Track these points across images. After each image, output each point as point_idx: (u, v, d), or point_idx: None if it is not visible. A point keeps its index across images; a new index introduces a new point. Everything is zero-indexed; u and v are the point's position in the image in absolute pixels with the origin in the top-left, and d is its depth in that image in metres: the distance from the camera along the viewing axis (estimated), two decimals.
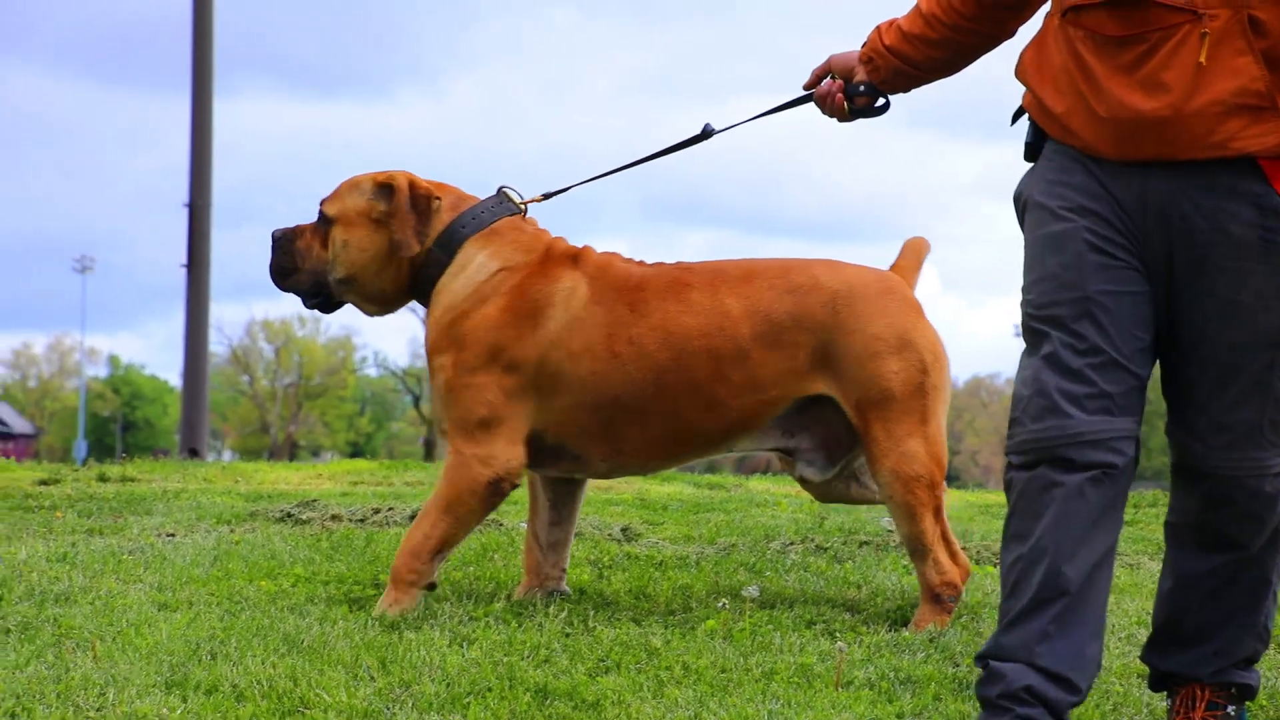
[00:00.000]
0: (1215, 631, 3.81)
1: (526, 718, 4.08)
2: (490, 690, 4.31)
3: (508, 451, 5.11)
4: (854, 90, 4.43)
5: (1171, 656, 3.89)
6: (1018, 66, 3.91)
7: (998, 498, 11.01)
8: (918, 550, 5.34)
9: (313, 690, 4.22)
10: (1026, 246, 3.82)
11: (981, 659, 3.74)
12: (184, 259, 26.10)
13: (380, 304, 5.35)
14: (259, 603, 5.36)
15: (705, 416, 5.30)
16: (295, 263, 5.24)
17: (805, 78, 4.62)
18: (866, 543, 7.19)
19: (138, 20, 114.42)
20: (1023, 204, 3.86)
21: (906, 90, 4.37)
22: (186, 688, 4.22)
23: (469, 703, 4.19)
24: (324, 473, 11.60)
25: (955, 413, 78.28)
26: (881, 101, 4.48)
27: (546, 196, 5.40)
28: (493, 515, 7.90)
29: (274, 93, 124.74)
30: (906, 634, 5.13)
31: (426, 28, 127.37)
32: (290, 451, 66.36)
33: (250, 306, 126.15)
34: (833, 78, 4.51)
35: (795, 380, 5.30)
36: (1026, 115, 3.91)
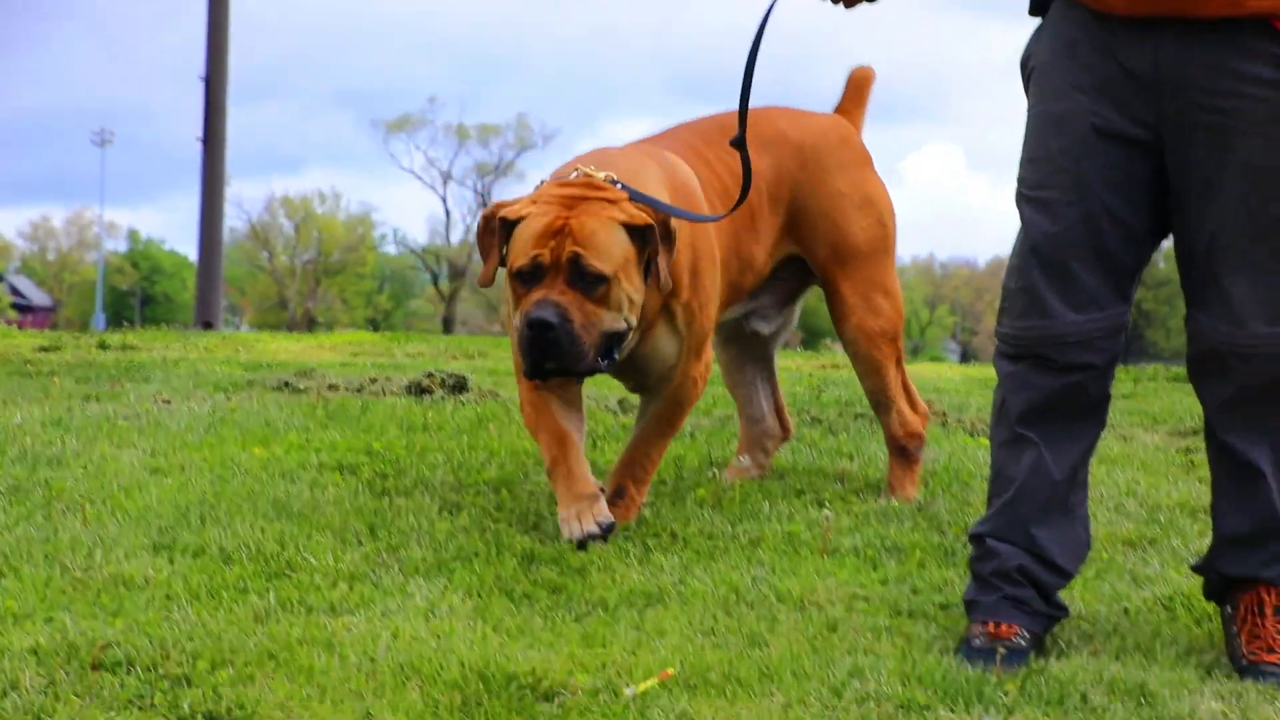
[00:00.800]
0: (1279, 527, 3.65)
1: (512, 582, 4.10)
2: (477, 555, 4.33)
3: (710, 357, 4.97)
4: None
5: (1238, 560, 3.70)
6: None
7: None
8: (881, 403, 5.36)
9: (300, 554, 4.24)
10: (1029, 119, 3.74)
11: (976, 537, 3.76)
12: (200, 133, 26.08)
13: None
14: (250, 469, 5.37)
15: (746, 276, 5.14)
16: (587, 340, 4.37)
17: None
18: (861, 415, 7.19)
19: None
20: (1029, 71, 3.76)
21: None
22: (174, 550, 4.25)
23: (455, 567, 4.22)
24: (325, 343, 11.62)
25: (976, 293, 77.98)
26: None
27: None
28: (489, 385, 7.92)
29: None
30: (896, 504, 5.15)
31: None
32: (308, 327, 66.49)
33: (270, 182, 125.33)
34: None
35: (784, 237, 5.22)
36: None
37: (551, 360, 4.36)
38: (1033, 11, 3.78)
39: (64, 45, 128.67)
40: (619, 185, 4.49)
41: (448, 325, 61.65)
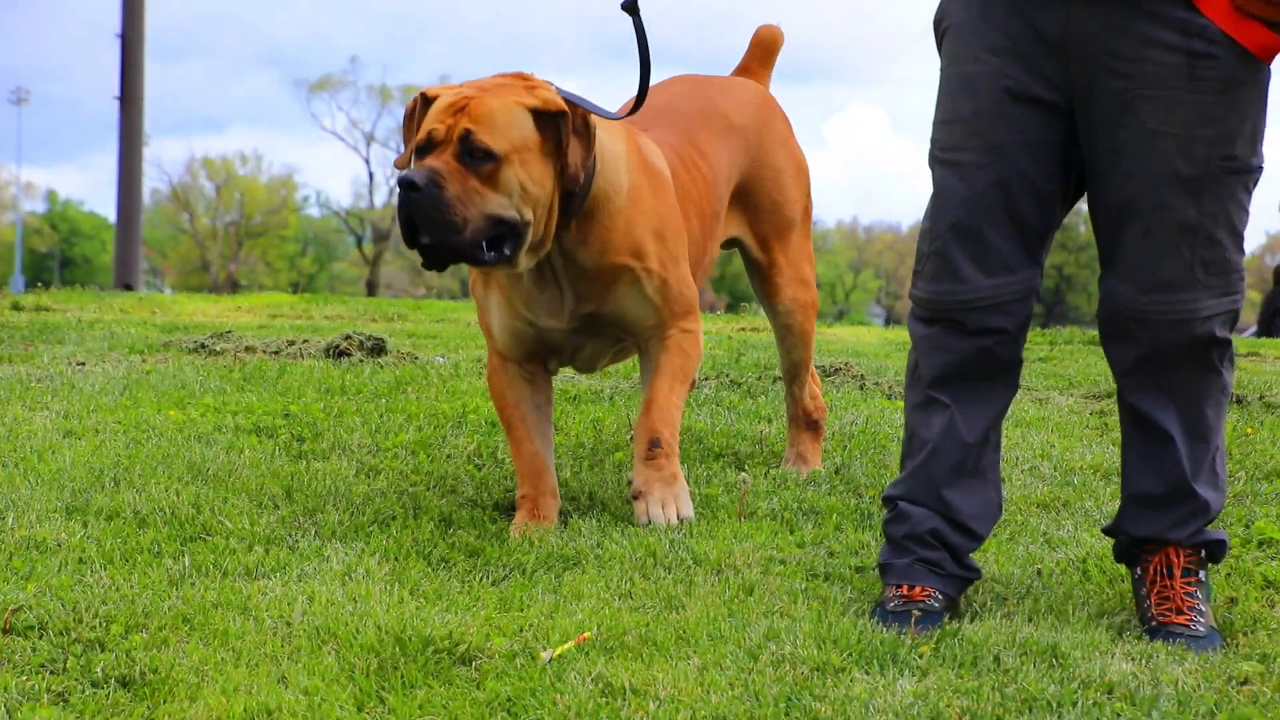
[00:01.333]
0: (1188, 489, 3.68)
1: (429, 545, 4.09)
2: (394, 519, 4.32)
3: (699, 318, 4.71)
4: None
5: (1147, 521, 3.74)
6: None
7: None
8: (799, 377, 5.31)
9: (215, 517, 4.22)
10: (941, 80, 3.75)
11: (890, 499, 3.79)
12: (117, 91, 25.80)
13: (536, 253, 4.30)
14: (166, 431, 5.33)
15: (702, 270, 4.95)
16: (461, 213, 4.07)
17: None
18: (780, 378, 7.21)
19: None
20: (942, 30, 3.77)
21: None
22: (87, 513, 4.21)
23: (372, 531, 4.21)
24: (243, 305, 11.53)
25: (899, 257, 78.09)
26: None
27: None
28: (407, 348, 7.89)
29: None
30: (819, 468, 5.18)
31: None
32: (231, 290, 65.78)
33: (193, 142, 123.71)
34: None
35: (729, 225, 5.10)
36: None
37: (424, 231, 4.07)
38: None
39: None
40: (555, 87, 4.29)
41: (371, 288, 61.38)
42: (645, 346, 4.61)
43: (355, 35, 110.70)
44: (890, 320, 66.24)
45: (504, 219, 4.14)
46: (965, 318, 3.66)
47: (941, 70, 3.77)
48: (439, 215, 4.06)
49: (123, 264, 26.06)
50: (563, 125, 4.19)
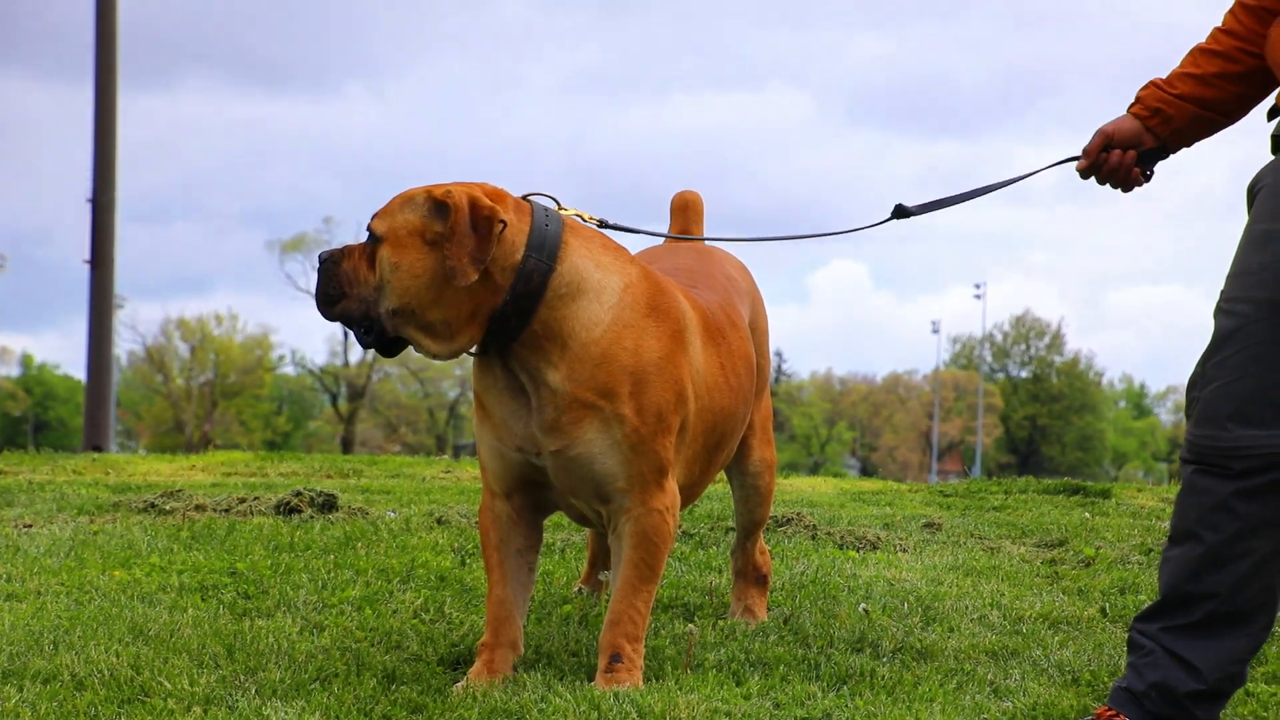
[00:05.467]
0: None
1: (371, 702, 4.05)
2: (336, 676, 4.28)
3: (675, 491, 4.41)
4: (1157, 156, 4.22)
5: None
6: (1267, 47, 3.90)
7: (870, 484, 11.10)
8: (755, 535, 5.27)
9: (155, 678, 4.16)
10: (1241, 237, 3.86)
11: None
12: (88, 255, 25.82)
13: (446, 339, 4.21)
14: (109, 592, 5.28)
15: (733, 445, 4.85)
16: (341, 288, 4.22)
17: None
18: (733, 529, 7.19)
19: (60, 12, 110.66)
20: (1255, 192, 3.88)
21: (1193, 143, 4.20)
22: (24, 677, 4.16)
23: (313, 689, 4.15)
24: (198, 464, 11.46)
25: (873, 408, 78.27)
26: None
27: (603, 225, 4.61)
28: (358, 503, 7.85)
29: (219, 86, 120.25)
30: (765, 620, 5.15)
31: (377, 21, 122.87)
32: (203, 449, 65.19)
33: (174, 304, 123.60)
34: (1110, 148, 4.21)
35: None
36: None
37: (320, 301, 4.27)
38: (1273, 151, 3.90)
39: None
40: (598, 222, 4.47)
41: (346, 445, 61.40)
42: (614, 523, 4.35)
43: (336, 196, 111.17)
44: (867, 470, 66.00)
45: (369, 308, 4.22)
46: (1229, 464, 3.73)
47: (1244, 228, 3.86)
48: (325, 286, 4.27)
49: (93, 426, 25.87)
50: (451, 218, 4.12)
